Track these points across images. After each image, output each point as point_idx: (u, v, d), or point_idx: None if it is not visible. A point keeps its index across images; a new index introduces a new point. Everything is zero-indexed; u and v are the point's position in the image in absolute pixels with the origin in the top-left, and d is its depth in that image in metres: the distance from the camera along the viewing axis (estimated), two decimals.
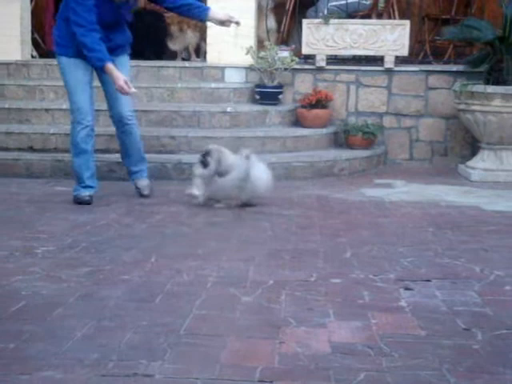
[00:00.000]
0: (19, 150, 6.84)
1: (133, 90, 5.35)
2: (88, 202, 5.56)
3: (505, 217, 5.41)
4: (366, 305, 3.33)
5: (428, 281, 3.72)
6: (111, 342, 2.75)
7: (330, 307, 3.26)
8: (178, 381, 2.43)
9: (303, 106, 7.41)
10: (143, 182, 5.93)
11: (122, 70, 5.40)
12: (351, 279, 3.72)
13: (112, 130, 6.04)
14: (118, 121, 5.79)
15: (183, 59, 8.71)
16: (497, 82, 6.89)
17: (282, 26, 8.70)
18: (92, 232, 4.64)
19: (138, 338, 2.81)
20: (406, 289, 3.58)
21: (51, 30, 8.68)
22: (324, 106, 7.43)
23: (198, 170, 5.53)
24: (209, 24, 7.68)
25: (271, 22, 8.30)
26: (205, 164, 5.47)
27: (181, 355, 2.65)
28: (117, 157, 6.52)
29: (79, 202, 5.55)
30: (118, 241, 4.43)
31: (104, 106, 5.99)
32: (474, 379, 2.52)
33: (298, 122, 7.49)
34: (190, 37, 8.53)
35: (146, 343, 2.76)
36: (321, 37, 7.57)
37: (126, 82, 5.31)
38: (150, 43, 8.74)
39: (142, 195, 5.88)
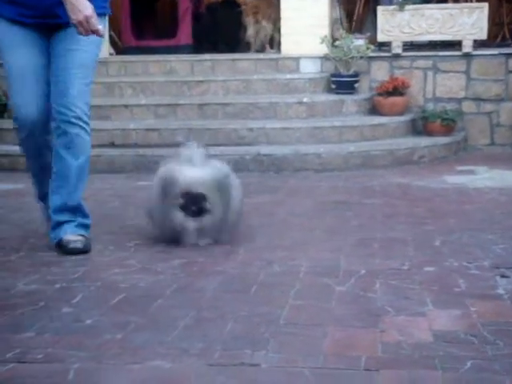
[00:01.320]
0: (100, 146, 6.99)
1: (99, 27, 3.59)
2: (81, 252, 3.93)
3: None
4: (463, 293, 3.28)
5: None
6: (213, 332, 2.79)
7: (427, 295, 3.23)
8: (284, 370, 2.44)
9: (380, 94, 7.35)
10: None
11: None
12: (445, 267, 3.68)
13: (192, 123, 6.10)
14: (61, 119, 3.85)
15: (257, 51, 8.73)
16: None
17: (356, 14, 8.63)
18: None
19: (239, 328, 2.84)
20: (503, 276, 3.51)
21: (127, 28, 8.89)
22: (401, 94, 7.34)
23: (191, 223, 4.01)
24: (283, 14, 7.71)
25: (337, 12, 8.24)
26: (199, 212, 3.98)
27: (283, 345, 2.67)
28: None
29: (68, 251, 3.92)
30: None
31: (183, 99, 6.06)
32: None
33: (374, 111, 7.43)
34: (264, 28, 8.55)
35: (248, 333, 2.78)
36: (396, 23, 7.48)
37: (88, 18, 3.53)
38: (224, 35, 8.79)
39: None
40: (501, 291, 3.30)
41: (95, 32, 3.59)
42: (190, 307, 3.08)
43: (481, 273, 3.58)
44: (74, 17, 3.54)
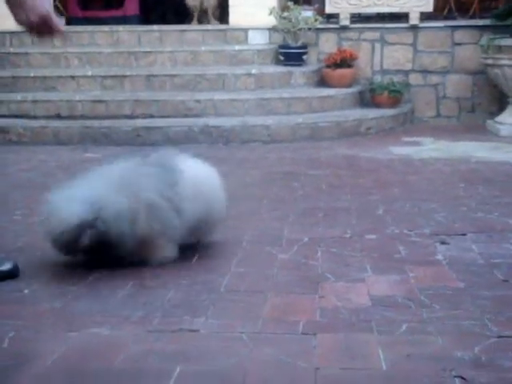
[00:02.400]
0: (46, 117, 6.88)
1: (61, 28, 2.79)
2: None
3: None
4: (403, 259, 3.33)
5: (463, 235, 3.71)
6: (154, 300, 2.79)
7: (367, 262, 3.28)
8: (223, 335, 2.46)
9: (328, 66, 7.37)
10: None
11: None
12: (386, 235, 3.73)
13: (139, 94, 6.00)
14: None
15: (200, 22, 8.63)
16: None
17: None
18: None
19: (179, 296, 2.84)
20: (442, 243, 3.58)
21: None
22: (349, 66, 7.37)
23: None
24: None
25: None
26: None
27: (223, 311, 2.68)
28: (142, 122, 6.57)
29: None
30: None
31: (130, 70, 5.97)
32: None
33: (323, 82, 7.44)
34: None
35: (188, 300, 2.79)
36: None
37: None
38: (172, 6, 8.69)
39: None
40: (439, 257, 3.36)
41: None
42: (132, 277, 3.07)
43: (421, 240, 3.64)
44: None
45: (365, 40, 7.60)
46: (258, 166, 5.72)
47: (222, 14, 8.52)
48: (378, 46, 7.59)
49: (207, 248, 3.51)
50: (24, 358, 2.28)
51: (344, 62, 7.32)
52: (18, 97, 6.98)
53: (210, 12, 8.68)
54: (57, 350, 2.35)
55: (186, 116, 6.82)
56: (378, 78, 7.54)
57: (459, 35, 7.50)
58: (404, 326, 2.54)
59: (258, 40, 7.63)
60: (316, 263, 3.27)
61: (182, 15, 8.89)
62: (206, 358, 2.29)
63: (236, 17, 7.68)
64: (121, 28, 7.91)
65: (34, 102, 6.92)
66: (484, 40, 7.00)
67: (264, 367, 2.23)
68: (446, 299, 2.81)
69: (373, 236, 3.71)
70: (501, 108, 7.24)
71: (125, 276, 3.08)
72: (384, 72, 7.58)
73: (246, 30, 7.63)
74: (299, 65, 7.39)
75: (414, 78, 7.58)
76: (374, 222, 3.98)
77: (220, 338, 2.44)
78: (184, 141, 6.48)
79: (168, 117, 6.79)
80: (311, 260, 3.31)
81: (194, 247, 3.48)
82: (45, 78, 7.27)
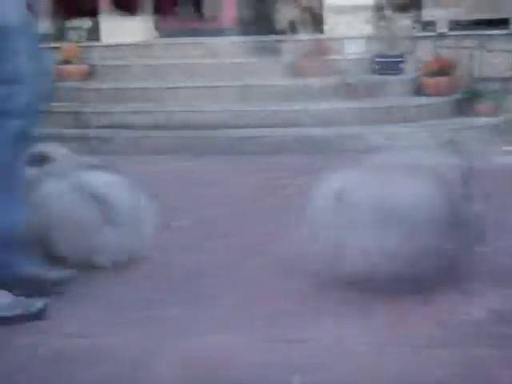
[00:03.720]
0: (146, 128, 7.03)
1: None
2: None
3: None
4: None
5: None
6: (262, 310, 2.79)
7: (484, 275, 3.17)
8: (332, 345, 2.43)
9: (425, 74, 7.24)
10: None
11: None
12: (499, 248, 3.57)
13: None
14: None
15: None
16: None
17: None
18: (225, 205, 4.68)
19: (288, 305, 2.83)
20: None
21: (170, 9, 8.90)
22: (447, 73, 7.23)
23: None
24: None
25: None
26: None
27: (335, 321, 2.65)
28: (238, 132, 6.63)
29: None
30: (253, 213, 4.45)
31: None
32: None
33: (420, 91, 7.32)
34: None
35: (295, 310, 2.78)
36: (442, 2, 7.35)
37: None
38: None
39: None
40: None
41: None
42: (238, 286, 3.07)
43: None
44: None
45: (463, 47, 7.43)
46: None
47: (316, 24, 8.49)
48: (476, 53, 7.41)
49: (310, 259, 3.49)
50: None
51: (442, 69, 7.18)
52: (119, 108, 7.16)
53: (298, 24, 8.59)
54: (171, 356, 2.38)
55: (280, 126, 6.84)
56: (477, 86, 7.35)
57: None
58: None
59: (354, 49, 7.58)
60: None
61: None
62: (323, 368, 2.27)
63: (332, 26, 7.64)
64: (217, 40, 8.02)
65: (134, 112, 7.09)
66: None
67: None
68: None
69: (486, 248, 3.57)
70: None
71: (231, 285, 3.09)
72: (483, 80, 7.39)
73: (341, 40, 7.59)
74: (396, 73, 7.30)
75: None
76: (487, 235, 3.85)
77: (330, 349, 2.41)
78: (278, 150, 6.48)
79: (262, 127, 6.82)
80: None
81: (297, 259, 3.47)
82: (144, 89, 7.44)
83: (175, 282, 3.17)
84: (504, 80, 7.37)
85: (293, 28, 8.60)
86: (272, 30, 8.80)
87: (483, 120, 7.02)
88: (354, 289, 2.90)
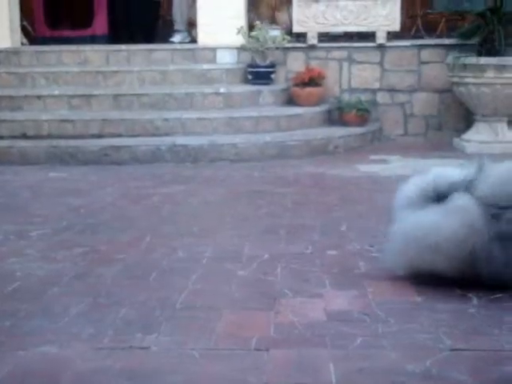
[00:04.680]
0: (12, 137, 6.81)
1: None
2: None
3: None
4: (363, 274, 3.32)
5: None
6: (107, 318, 2.75)
7: (326, 278, 3.26)
8: (174, 352, 2.42)
9: (296, 85, 7.38)
10: None
11: None
12: (347, 251, 3.72)
13: (107, 113, 6.03)
14: None
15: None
16: (489, 54, 6.86)
17: (273, 5, 8.65)
18: (87, 215, 4.63)
19: (133, 313, 2.80)
20: None
21: (41, 17, 8.71)
22: (317, 84, 7.39)
23: None
24: (199, 4, 7.68)
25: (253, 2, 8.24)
26: None
27: (176, 328, 2.65)
28: (110, 141, 6.56)
29: None
30: (114, 222, 4.42)
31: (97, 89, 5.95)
32: (469, 341, 2.52)
33: (291, 101, 7.46)
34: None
35: (142, 317, 2.76)
36: (311, 14, 7.52)
37: None
38: (141, 26, 8.69)
39: None
40: (399, 272, 3.34)
41: None
42: (86, 294, 3.03)
43: (381, 255, 3.63)
44: None
45: (333, 59, 7.62)
46: (225, 184, 5.70)
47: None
48: (345, 64, 7.62)
49: (166, 265, 3.48)
50: None
51: (312, 80, 7.34)
52: None
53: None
54: (2, 369, 2.30)
55: (153, 135, 6.79)
56: (345, 97, 7.55)
57: (426, 54, 7.56)
58: (358, 341, 2.52)
59: (226, 59, 7.63)
60: (275, 279, 3.25)
61: (150, 35, 8.87)
62: (155, 375, 2.26)
63: (204, 36, 7.68)
64: (88, 47, 7.88)
65: (1, 121, 6.86)
66: (450, 59, 7.06)
67: None
68: (403, 313, 2.80)
69: (334, 252, 3.69)
70: (467, 126, 7.29)
71: (78, 294, 3.03)
72: (352, 91, 7.60)
73: (214, 50, 7.63)
74: (267, 84, 7.40)
75: (381, 97, 7.61)
76: (336, 239, 3.97)
77: (171, 355, 2.40)
78: (151, 160, 6.45)
79: (136, 136, 6.75)
80: (270, 276, 3.29)
81: (153, 264, 3.45)
82: (11, 97, 7.21)
83: (23, 292, 3.08)
84: (372, 91, 7.61)
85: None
86: (147, 38, 8.79)
87: (352, 130, 7.22)
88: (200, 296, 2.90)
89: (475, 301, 2.92)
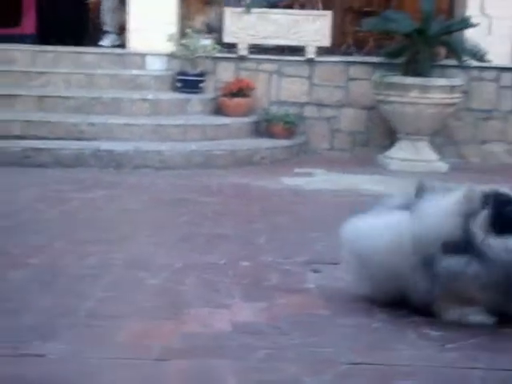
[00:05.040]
0: None
1: None
2: None
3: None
4: (273, 286, 3.33)
5: (336, 264, 3.73)
6: (7, 324, 2.68)
7: (236, 289, 3.25)
8: (70, 360, 2.37)
9: (225, 95, 7.38)
10: None
11: None
12: (261, 262, 3.73)
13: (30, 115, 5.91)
14: None
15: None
16: (414, 74, 7.00)
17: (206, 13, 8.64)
18: (1, 216, 4.52)
19: (35, 320, 2.74)
20: (315, 271, 3.60)
21: None
22: (246, 95, 7.41)
23: None
24: (130, 9, 7.61)
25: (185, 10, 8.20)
26: None
27: (77, 336, 2.60)
28: (32, 143, 6.43)
29: None
30: (28, 226, 4.33)
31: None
32: (370, 355, 2.55)
33: (219, 111, 7.44)
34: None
35: (43, 324, 2.70)
36: (243, 26, 7.54)
37: None
38: (70, 28, 8.55)
39: None
40: (310, 285, 3.38)
41: None
42: None
43: (295, 268, 3.65)
44: None
45: (262, 71, 7.65)
46: (148, 191, 5.64)
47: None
48: (275, 77, 7.66)
49: (76, 271, 3.41)
50: None
51: (241, 91, 7.35)
52: None
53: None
54: None
55: (78, 139, 6.67)
56: (274, 109, 7.58)
57: (354, 71, 7.66)
58: (261, 353, 2.52)
59: (155, 66, 7.57)
60: (185, 289, 3.23)
61: (80, 37, 8.73)
62: (47, 383, 2.20)
63: (135, 41, 7.61)
64: (15, 47, 7.71)
65: None
66: (376, 76, 7.17)
67: None
68: (308, 326, 2.81)
69: (247, 263, 3.69)
70: (392, 143, 7.40)
71: None
72: (280, 103, 7.64)
73: (143, 56, 7.56)
74: (196, 92, 7.38)
75: (309, 111, 7.67)
76: (252, 250, 3.98)
77: (67, 364, 2.35)
78: (74, 164, 6.34)
79: (60, 139, 6.63)
80: (181, 286, 3.27)
81: (62, 270, 3.39)
82: None
83: None
84: (299, 104, 7.67)
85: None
86: (76, 39, 8.65)
87: (278, 142, 7.25)
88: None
89: (380, 315, 2.96)
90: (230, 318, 2.86)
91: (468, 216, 2.74)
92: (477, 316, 2.82)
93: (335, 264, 3.73)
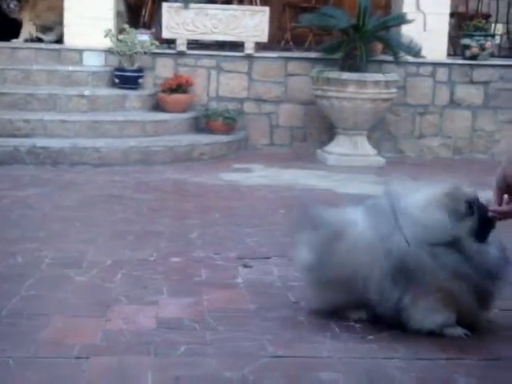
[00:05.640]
0: None
1: None
2: None
3: (354, 198, 5.56)
4: (202, 282, 3.34)
5: (267, 258, 3.77)
6: None
7: (165, 285, 3.25)
8: None
9: (164, 91, 7.35)
10: None
11: None
12: (192, 258, 3.73)
13: None
14: None
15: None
16: (351, 69, 7.07)
17: (144, 9, 8.59)
18: None
19: None
20: (245, 266, 3.62)
21: None
22: (185, 91, 7.39)
23: None
24: (67, 4, 7.52)
25: (120, 6, 8.14)
26: None
27: None
28: None
29: None
30: None
31: None
32: (291, 348, 2.58)
33: (158, 107, 7.41)
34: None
35: None
36: (181, 21, 7.51)
37: None
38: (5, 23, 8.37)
39: None
40: (239, 280, 3.39)
41: None
42: None
43: (225, 263, 3.67)
44: None
45: (201, 67, 7.64)
46: (84, 188, 5.59)
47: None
48: (214, 73, 7.66)
49: (2, 270, 3.37)
50: None
51: (180, 87, 7.33)
52: None
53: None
54: None
55: (13, 136, 6.56)
56: (213, 105, 7.59)
57: (292, 66, 7.70)
58: (183, 348, 2.52)
59: (93, 62, 7.49)
60: (113, 286, 3.21)
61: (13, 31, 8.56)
62: None
63: (71, 37, 7.51)
64: None
65: None
66: (314, 72, 7.22)
67: None
68: (233, 321, 2.83)
69: (178, 259, 3.69)
70: (331, 138, 7.47)
71: None
72: (219, 99, 7.65)
73: (81, 51, 7.48)
74: (135, 88, 7.33)
75: (248, 106, 7.69)
76: (184, 246, 3.98)
77: None
78: (10, 161, 6.24)
79: None
80: (108, 283, 3.25)
81: None
82: None
83: None
84: (239, 100, 7.68)
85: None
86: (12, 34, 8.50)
87: (218, 138, 7.25)
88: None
89: (307, 309, 2.99)
90: (156, 314, 2.86)
91: (453, 215, 2.69)
92: (448, 327, 2.73)
93: (266, 258, 3.77)
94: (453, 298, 2.68)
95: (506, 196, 2.47)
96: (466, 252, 2.65)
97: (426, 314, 2.70)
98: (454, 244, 2.65)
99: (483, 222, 2.65)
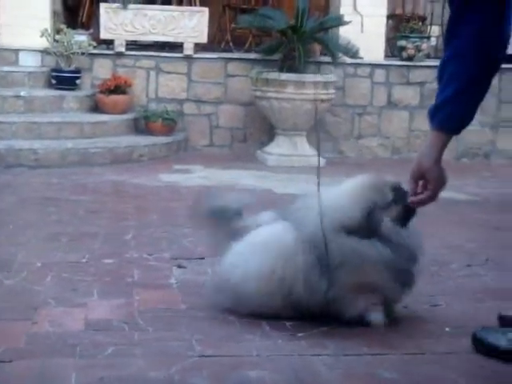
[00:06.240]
0: None
1: None
2: None
3: (293, 198, 5.59)
4: (134, 283, 3.31)
5: (202, 258, 3.76)
6: None
7: (96, 287, 3.21)
8: None
9: (102, 92, 7.28)
10: None
11: None
12: (125, 259, 3.70)
13: None
14: None
15: None
16: (290, 70, 7.11)
17: (82, 9, 8.49)
18: None
19: None
20: (179, 267, 3.60)
21: None
22: (123, 92, 7.33)
23: None
24: (1, 3, 7.38)
25: (57, 5, 8.04)
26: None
27: None
28: None
29: None
30: None
31: None
32: (222, 347, 2.57)
33: (97, 108, 7.34)
34: None
35: None
36: (119, 21, 7.45)
37: None
38: None
39: None
40: (172, 281, 3.38)
41: None
42: None
43: (158, 264, 3.64)
44: None
45: (140, 67, 7.59)
46: (19, 191, 5.49)
47: None
48: (153, 74, 7.61)
49: None
50: None
51: (118, 88, 7.26)
52: None
53: None
54: None
55: None
56: (152, 106, 7.54)
57: (232, 67, 7.71)
58: (110, 350, 2.50)
59: (29, 62, 7.38)
60: (41, 288, 3.16)
61: None
62: None
63: (7, 36, 7.38)
64: None
65: None
66: (253, 73, 7.24)
67: None
68: (163, 321, 2.81)
69: (110, 260, 3.65)
70: (271, 139, 7.50)
71: None
72: (159, 100, 7.60)
73: (16, 51, 7.36)
74: (72, 89, 7.23)
75: (188, 107, 7.66)
76: (117, 247, 3.94)
77: None
78: None
79: None
80: (37, 285, 3.19)
81: None
82: None
83: None
84: (179, 101, 7.65)
85: None
86: None
87: (157, 139, 7.21)
88: None
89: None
90: (85, 316, 2.82)
91: (377, 206, 2.72)
92: (375, 313, 2.76)
93: (201, 259, 3.76)
94: (377, 284, 2.72)
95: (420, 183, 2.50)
96: (388, 238, 2.70)
97: (351, 301, 2.73)
98: (375, 231, 2.70)
99: (406, 208, 2.70)
